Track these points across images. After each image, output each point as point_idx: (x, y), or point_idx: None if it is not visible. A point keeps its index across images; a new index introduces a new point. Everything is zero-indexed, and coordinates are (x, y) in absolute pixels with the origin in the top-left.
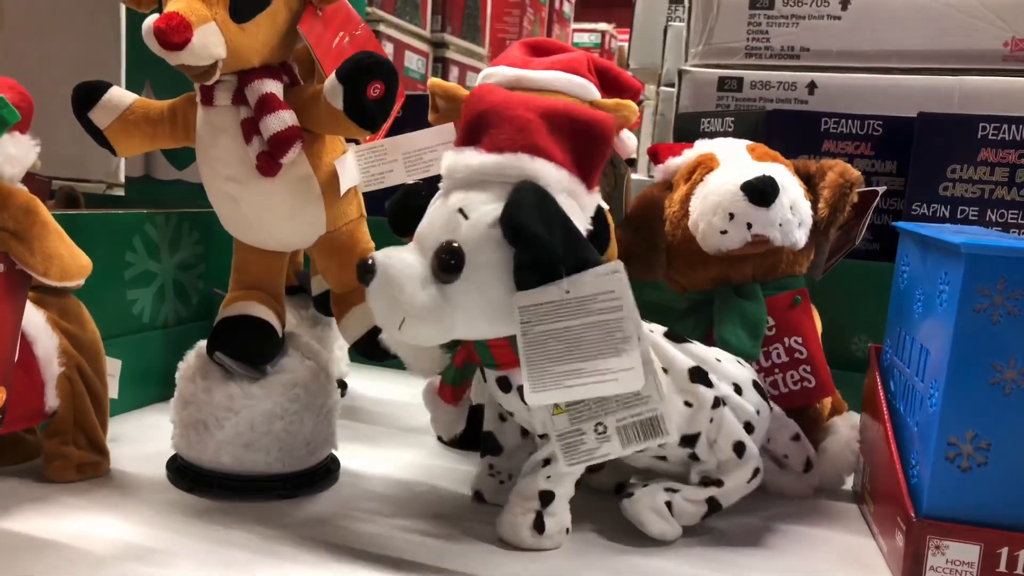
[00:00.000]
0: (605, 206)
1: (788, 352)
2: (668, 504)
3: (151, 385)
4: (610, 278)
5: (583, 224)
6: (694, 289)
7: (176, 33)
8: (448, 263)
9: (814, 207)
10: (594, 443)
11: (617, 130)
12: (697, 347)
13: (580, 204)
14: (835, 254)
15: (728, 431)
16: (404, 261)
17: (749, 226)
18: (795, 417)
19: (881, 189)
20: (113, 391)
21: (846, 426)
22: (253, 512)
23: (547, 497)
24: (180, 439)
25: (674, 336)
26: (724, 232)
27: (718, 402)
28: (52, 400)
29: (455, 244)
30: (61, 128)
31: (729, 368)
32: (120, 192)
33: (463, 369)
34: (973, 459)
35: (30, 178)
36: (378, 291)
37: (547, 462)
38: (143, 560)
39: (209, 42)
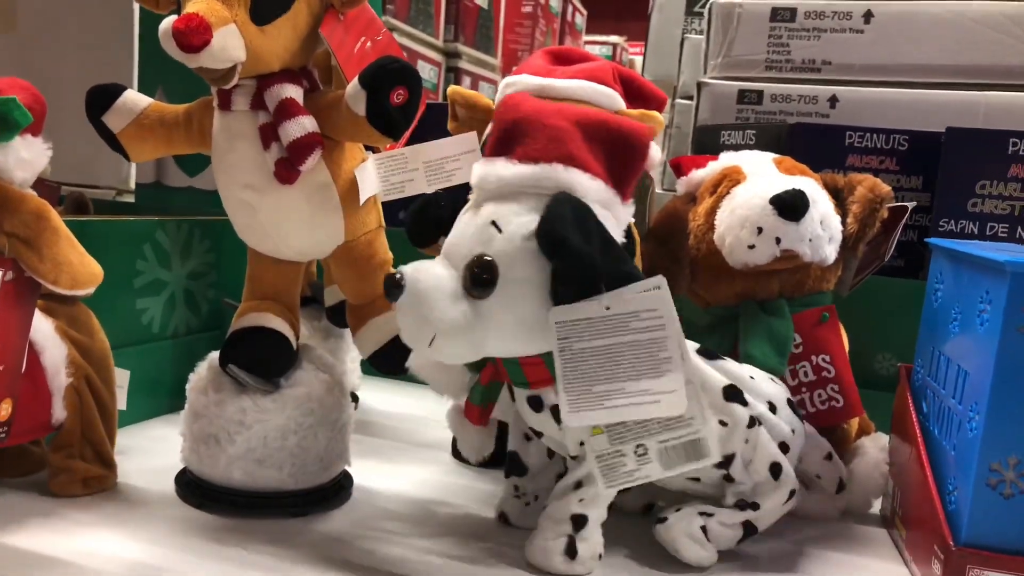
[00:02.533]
0: (631, 219)
1: (816, 370)
2: (703, 528)
3: (160, 396)
4: (652, 294)
5: (618, 236)
6: (718, 304)
7: (195, 35)
8: (481, 277)
9: (842, 222)
10: (634, 465)
11: None
12: (730, 364)
13: (615, 216)
14: (863, 271)
15: (764, 452)
16: (434, 275)
17: (778, 241)
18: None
19: (911, 205)
20: (121, 402)
21: (875, 448)
22: (264, 530)
23: (580, 521)
24: (190, 453)
25: (707, 353)
26: (752, 247)
27: (753, 422)
28: (59, 412)
29: (488, 258)
30: (71, 133)
31: (763, 386)
32: (130, 199)
33: (489, 388)
34: (1016, 486)
35: (39, 183)
36: (407, 307)
37: (579, 485)
38: None
39: (229, 44)
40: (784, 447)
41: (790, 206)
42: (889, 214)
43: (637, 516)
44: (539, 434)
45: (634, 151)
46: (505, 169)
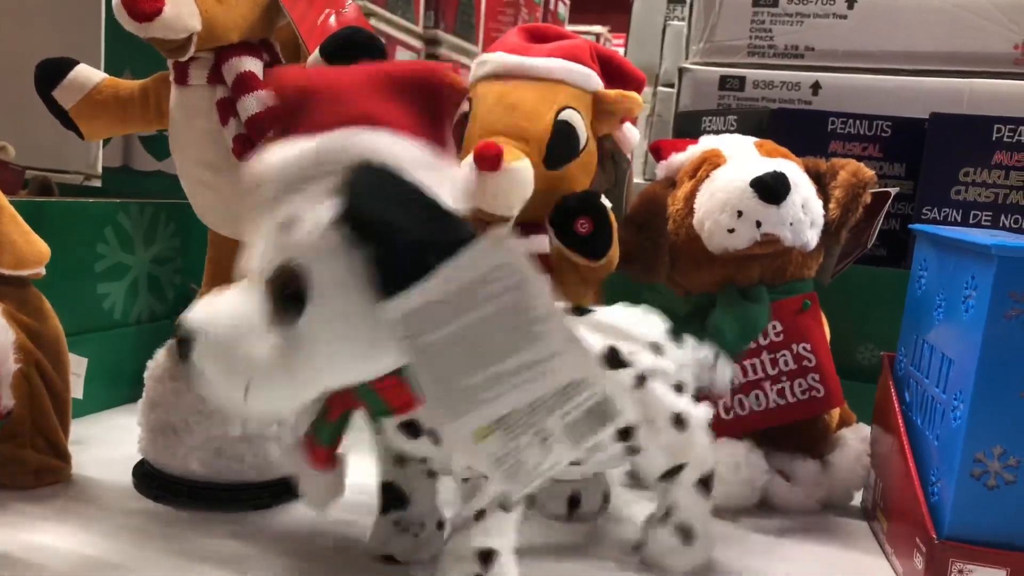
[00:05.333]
0: (608, 203)
1: (796, 359)
2: (681, 529)
3: (121, 385)
4: (495, 251)
5: (451, 200)
6: (697, 291)
7: (146, 2)
8: (286, 291)
9: (825, 208)
10: (539, 455)
11: (620, 123)
12: (602, 314)
13: (446, 177)
14: (845, 258)
15: (660, 406)
16: (226, 312)
17: (758, 224)
18: (803, 428)
19: (894, 190)
20: (78, 391)
21: (856, 439)
22: (224, 523)
23: (487, 556)
24: (147, 443)
25: (574, 309)
26: (731, 231)
27: (640, 380)
28: (7, 400)
29: (290, 266)
30: (38, 117)
31: (642, 329)
32: (99, 183)
33: (339, 422)
34: (1001, 477)
35: (3, 166)
36: (204, 360)
37: (480, 515)
38: (104, 575)
39: (183, 12)
40: (680, 388)
41: (771, 189)
42: (872, 200)
43: (564, 519)
44: (422, 460)
45: (438, 92)
46: (287, 150)
